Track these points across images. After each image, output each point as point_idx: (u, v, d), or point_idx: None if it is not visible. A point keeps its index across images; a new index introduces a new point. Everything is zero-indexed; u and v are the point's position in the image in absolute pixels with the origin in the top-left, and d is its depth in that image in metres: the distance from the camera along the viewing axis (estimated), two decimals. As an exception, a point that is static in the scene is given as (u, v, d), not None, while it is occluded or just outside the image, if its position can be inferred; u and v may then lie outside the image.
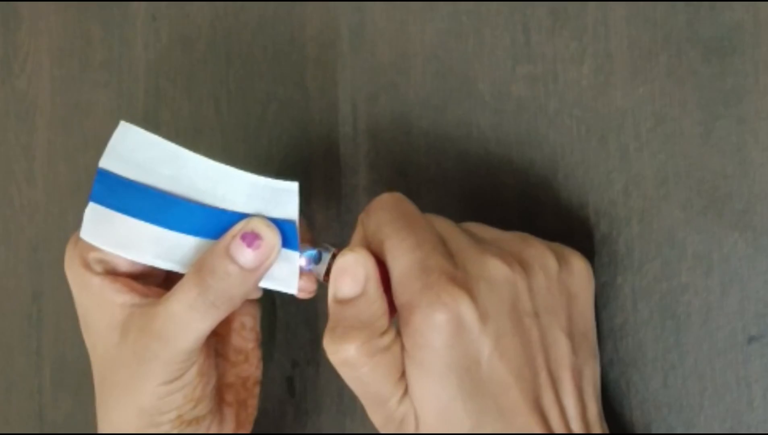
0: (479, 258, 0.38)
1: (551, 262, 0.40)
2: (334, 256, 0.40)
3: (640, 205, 0.44)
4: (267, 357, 0.49)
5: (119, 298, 0.41)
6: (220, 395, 0.44)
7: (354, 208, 0.48)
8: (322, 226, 0.49)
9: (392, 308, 0.39)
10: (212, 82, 0.50)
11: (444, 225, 0.40)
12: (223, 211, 0.40)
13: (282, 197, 0.40)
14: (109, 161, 0.40)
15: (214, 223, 0.40)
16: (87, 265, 0.41)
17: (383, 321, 0.38)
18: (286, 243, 0.40)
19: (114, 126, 0.50)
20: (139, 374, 0.41)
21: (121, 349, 0.41)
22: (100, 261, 0.41)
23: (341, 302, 0.39)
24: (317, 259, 0.40)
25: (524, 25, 0.46)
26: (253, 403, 0.45)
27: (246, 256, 0.39)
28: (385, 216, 0.39)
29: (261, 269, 0.39)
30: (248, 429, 0.45)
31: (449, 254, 0.38)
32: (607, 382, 0.44)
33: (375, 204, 0.40)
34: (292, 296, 0.46)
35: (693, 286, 0.43)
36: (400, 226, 0.39)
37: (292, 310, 0.47)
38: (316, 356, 0.48)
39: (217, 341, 0.44)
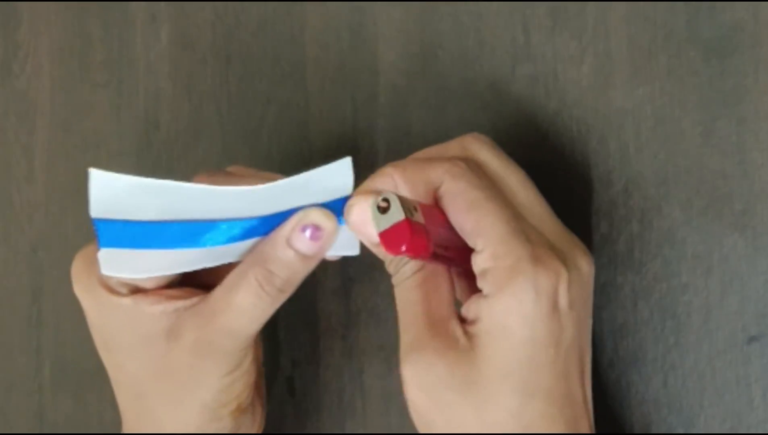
0: (572, 247, 0.40)
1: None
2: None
3: (640, 205, 0.44)
4: (267, 357, 0.49)
5: (158, 308, 0.41)
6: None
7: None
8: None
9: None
10: (212, 82, 0.50)
11: (533, 196, 0.41)
12: (281, 213, 0.40)
13: (336, 177, 0.40)
14: (98, 210, 0.38)
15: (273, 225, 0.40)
16: (112, 290, 0.41)
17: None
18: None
19: (114, 126, 0.50)
20: (201, 371, 0.41)
21: (172, 353, 0.41)
22: (125, 284, 0.41)
23: (377, 245, 0.40)
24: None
25: (524, 25, 0.46)
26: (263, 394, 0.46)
27: (308, 246, 0.40)
28: (511, 171, 0.41)
29: (322, 253, 0.41)
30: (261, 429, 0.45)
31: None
32: (607, 382, 0.44)
33: (501, 153, 0.41)
34: (292, 297, 0.46)
35: (693, 286, 0.44)
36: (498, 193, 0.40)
37: (292, 310, 0.47)
38: (316, 356, 0.48)
39: None
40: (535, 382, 0.38)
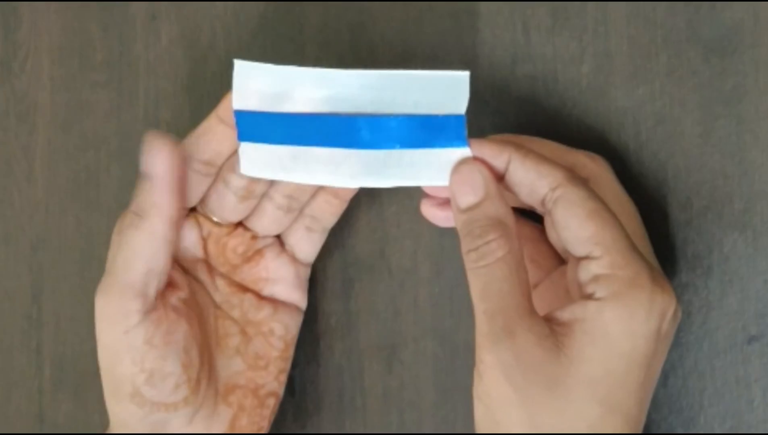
0: (665, 279, 0.39)
1: None
2: None
3: (641, 205, 0.44)
4: (267, 357, 0.48)
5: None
6: (217, 391, 0.43)
7: (354, 209, 0.47)
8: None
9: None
10: (212, 82, 0.50)
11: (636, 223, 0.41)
12: (387, 118, 0.40)
13: (452, 89, 0.40)
14: (240, 101, 0.40)
15: (376, 132, 0.40)
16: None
17: (511, 219, 0.39)
18: (454, 137, 0.40)
19: (114, 126, 0.51)
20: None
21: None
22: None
23: (467, 210, 0.39)
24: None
25: (524, 25, 0.46)
26: (260, 414, 0.44)
27: (146, 166, 0.41)
28: (628, 199, 0.42)
29: (158, 177, 0.41)
30: None
31: None
32: (607, 382, 0.44)
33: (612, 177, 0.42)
34: (292, 296, 0.45)
35: (693, 286, 0.43)
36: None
37: (292, 310, 0.47)
38: (316, 356, 0.48)
39: (240, 341, 0.44)
40: (618, 398, 0.37)
